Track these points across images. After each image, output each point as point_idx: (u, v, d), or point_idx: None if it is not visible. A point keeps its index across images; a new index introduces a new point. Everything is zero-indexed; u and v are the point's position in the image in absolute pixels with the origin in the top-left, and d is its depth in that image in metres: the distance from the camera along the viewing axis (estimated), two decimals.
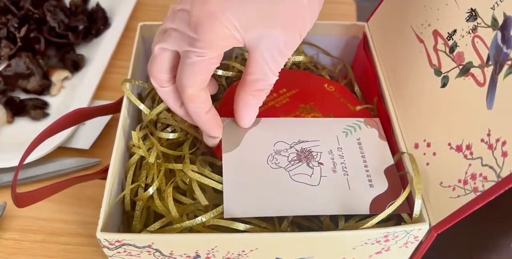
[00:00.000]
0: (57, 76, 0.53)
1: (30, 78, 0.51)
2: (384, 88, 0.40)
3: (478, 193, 0.27)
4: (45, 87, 0.53)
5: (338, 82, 0.45)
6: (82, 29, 0.58)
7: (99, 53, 0.56)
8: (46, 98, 0.53)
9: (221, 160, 0.35)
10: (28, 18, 0.56)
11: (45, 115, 0.50)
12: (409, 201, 0.33)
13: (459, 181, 0.29)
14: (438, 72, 0.33)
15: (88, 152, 0.47)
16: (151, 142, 0.36)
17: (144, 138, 0.38)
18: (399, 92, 0.38)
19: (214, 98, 0.43)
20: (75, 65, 0.55)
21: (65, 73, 0.54)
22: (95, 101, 0.52)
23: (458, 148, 0.30)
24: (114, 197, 0.33)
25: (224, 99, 0.39)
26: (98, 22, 0.60)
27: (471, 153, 0.29)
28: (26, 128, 0.49)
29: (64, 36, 0.56)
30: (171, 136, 0.36)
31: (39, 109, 0.50)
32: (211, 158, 0.36)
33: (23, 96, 0.52)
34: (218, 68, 0.43)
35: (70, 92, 0.53)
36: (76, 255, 0.40)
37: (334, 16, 0.44)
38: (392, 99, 0.39)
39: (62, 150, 0.47)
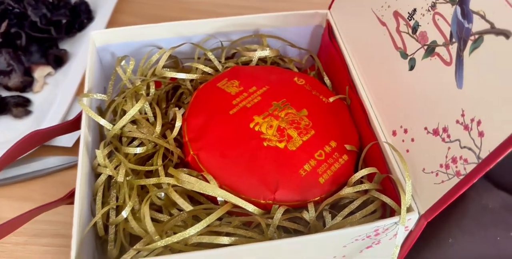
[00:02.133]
0: (40, 72, 0.52)
1: (11, 75, 0.50)
2: (354, 76, 0.40)
3: (461, 177, 0.27)
4: (27, 84, 0.51)
5: (307, 74, 0.45)
6: (64, 23, 0.56)
7: (82, 47, 0.55)
8: (28, 95, 0.52)
9: (197, 171, 0.34)
10: (9, 12, 0.54)
11: (28, 112, 0.49)
12: (387, 188, 0.33)
13: (441, 165, 0.29)
14: (404, 54, 0.33)
15: (71, 150, 0.47)
16: (118, 159, 0.35)
17: (110, 155, 0.36)
18: (370, 79, 0.38)
19: (180, 103, 0.42)
20: (58, 60, 0.54)
21: (48, 69, 0.52)
22: (79, 97, 0.51)
23: (435, 132, 0.30)
24: (86, 223, 0.32)
25: (193, 103, 0.38)
26: (81, 15, 0.58)
27: (449, 136, 0.29)
28: (8, 127, 0.49)
29: (46, 31, 0.55)
30: (139, 150, 0.35)
31: (21, 107, 0.49)
32: (187, 170, 0.35)
33: (4, 93, 0.51)
34: (180, 71, 0.42)
35: (54, 89, 0.52)
36: (59, 256, 0.40)
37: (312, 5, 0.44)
38: (364, 87, 0.39)
39: (45, 149, 0.46)
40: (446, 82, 0.29)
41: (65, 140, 0.46)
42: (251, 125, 0.36)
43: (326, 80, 0.45)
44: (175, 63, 0.46)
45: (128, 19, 0.46)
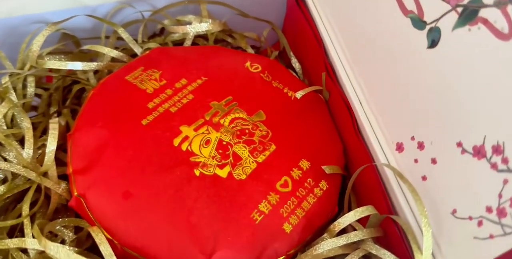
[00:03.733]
0: None
1: None
2: (334, 57, 0.27)
3: None
4: None
5: (266, 56, 0.32)
6: None
7: None
8: None
9: (88, 222, 0.21)
10: None
11: None
12: (390, 235, 0.21)
13: (489, 209, 0.17)
14: (419, 22, 0.20)
15: None
16: None
17: None
18: (359, 61, 0.25)
19: (78, 107, 0.28)
20: None
21: None
22: None
23: (478, 152, 0.18)
24: None
25: (86, 108, 0.24)
26: None
27: (505, 161, 0.16)
28: None
29: None
30: None
31: None
32: (73, 219, 0.22)
33: None
34: (74, 58, 0.28)
35: None
36: None
37: None
38: (348, 73, 0.26)
39: None
40: (500, 69, 0.16)
41: None
42: (176, 142, 0.23)
43: (295, 63, 0.31)
44: (76, 45, 0.31)
45: None
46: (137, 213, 0.21)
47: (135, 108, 0.24)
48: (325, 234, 0.21)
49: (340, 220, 0.20)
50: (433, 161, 0.20)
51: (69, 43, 0.32)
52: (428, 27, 0.19)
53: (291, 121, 0.25)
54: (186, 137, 0.23)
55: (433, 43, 0.19)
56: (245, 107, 0.25)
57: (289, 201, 0.22)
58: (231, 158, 0.23)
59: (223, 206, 0.21)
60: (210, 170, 0.22)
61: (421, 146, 0.20)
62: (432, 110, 0.20)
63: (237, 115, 0.25)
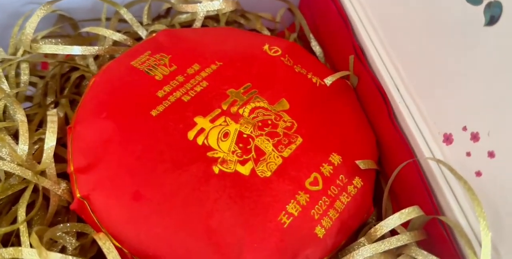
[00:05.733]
0: None
1: None
2: (364, 37, 0.24)
3: None
4: None
5: (285, 38, 0.29)
6: None
7: None
8: None
9: (92, 228, 0.19)
10: None
11: None
12: (436, 237, 0.18)
13: None
14: None
15: None
16: None
17: None
18: (396, 42, 0.23)
19: (78, 97, 0.26)
20: None
21: None
22: None
23: None
24: None
25: (87, 98, 0.22)
26: None
27: None
28: None
29: None
30: None
31: None
32: (76, 224, 0.20)
33: None
34: (73, 42, 0.26)
35: None
36: None
37: None
38: (382, 56, 0.23)
39: None
40: None
41: None
42: (191, 135, 0.20)
43: (315, 46, 0.29)
44: (73, 28, 0.29)
45: None
46: (148, 217, 0.18)
47: (143, 97, 0.21)
48: (362, 239, 0.19)
49: (382, 223, 0.18)
50: (491, 154, 0.17)
51: (66, 26, 0.29)
52: (485, 2, 0.17)
53: (318, 111, 0.23)
54: (202, 130, 0.21)
55: (492, 20, 0.17)
56: (266, 95, 0.23)
57: (320, 201, 0.20)
58: (253, 153, 0.20)
59: (246, 208, 0.19)
60: (230, 167, 0.20)
61: (475, 137, 0.18)
62: (490, 96, 0.17)
63: (257, 104, 0.22)
